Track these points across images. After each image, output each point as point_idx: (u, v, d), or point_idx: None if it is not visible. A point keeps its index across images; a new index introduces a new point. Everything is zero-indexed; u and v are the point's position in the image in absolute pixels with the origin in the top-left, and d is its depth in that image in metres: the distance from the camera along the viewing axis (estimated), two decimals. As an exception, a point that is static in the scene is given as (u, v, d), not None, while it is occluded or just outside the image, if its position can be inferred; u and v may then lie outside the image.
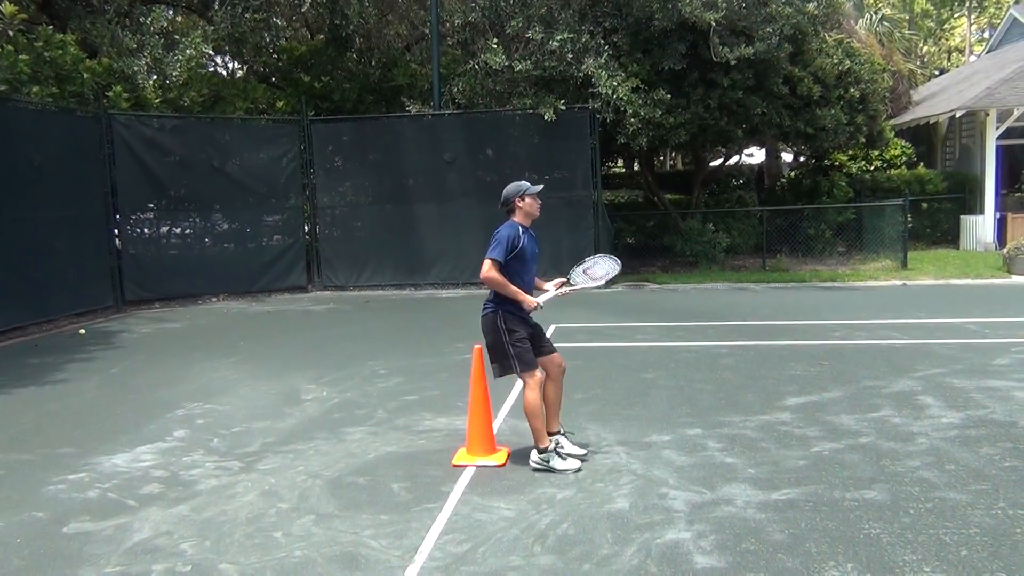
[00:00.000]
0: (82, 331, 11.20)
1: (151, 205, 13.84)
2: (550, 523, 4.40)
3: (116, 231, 13.32)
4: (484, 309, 5.28)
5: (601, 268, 5.71)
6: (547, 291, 5.41)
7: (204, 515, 4.68)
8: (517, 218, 5.36)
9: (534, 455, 5.22)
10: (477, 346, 5.49)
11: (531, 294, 5.25)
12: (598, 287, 5.71)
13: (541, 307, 5.21)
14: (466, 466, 5.30)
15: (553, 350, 5.41)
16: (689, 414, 6.37)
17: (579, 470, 5.14)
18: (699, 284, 14.47)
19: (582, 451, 5.39)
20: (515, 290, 5.12)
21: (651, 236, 17.78)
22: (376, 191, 15.12)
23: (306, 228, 15.30)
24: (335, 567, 3.99)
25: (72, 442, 6.13)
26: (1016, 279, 13.89)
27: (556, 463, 5.16)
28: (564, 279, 5.57)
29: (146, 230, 14.09)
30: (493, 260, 5.11)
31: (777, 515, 4.40)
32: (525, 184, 5.39)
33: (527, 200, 5.34)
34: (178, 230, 14.53)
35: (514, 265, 5.19)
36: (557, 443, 5.30)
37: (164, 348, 9.91)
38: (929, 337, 9.10)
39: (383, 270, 15.14)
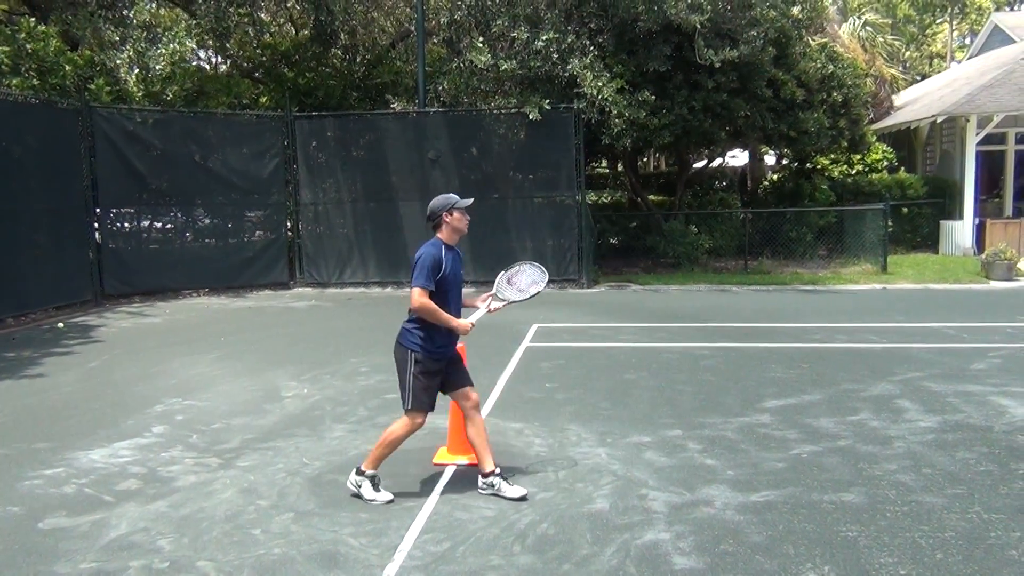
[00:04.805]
0: (60, 325, 11.10)
1: (132, 199, 13.72)
2: (530, 523, 4.41)
3: (96, 224, 13.20)
4: (401, 338, 4.82)
5: (526, 277, 5.27)
6: (477, 308, 5.04)
7: (182, 512, 4.65)
8: (442, 235, 4.85)
9: (353, 475, 4.86)
10: (459, 344, 5.48)
11: (459, 316, 4.85)
12: (527, 299, 5.16)
13: (473, 327, 4.86)
14: (447, 465, 5.31)
15: (467, 384, 4.93)
16: (670, 415, 6.39)
17: (391, 501, 4.73)
18: (681, 285, 14.52)
19: (521, 492, 4.78)
20: (447, 318, 4.70)
21: (634, 237, 17.82)
22: (359, 188, 15.08)
23: (288, 224, 15.24)
24: (314, 565, 3.98)
25: (49, 437, 6.07)
26: (994, 284, 14.04)
27: (366, 490, 4.78)
28: (492, 293, 5.17)
29: (126, 224, 13.98)
30: (422, 287, 4.65)
31: (755, 517, 4.43)
32: (454, 197, 4.91)
33: (455, 215, 4.85)
34: (159, 224, 14.43)
35: (440, 288, 4.74)
36: (494, 485, 4.82)
37: (143, 343, 9.83)
38: (908, 341, 9.19)
39: (365, 267, 15.10)
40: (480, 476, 4.89)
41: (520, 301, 5.17)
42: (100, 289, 13.05)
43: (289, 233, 15.22)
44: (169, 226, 14.49)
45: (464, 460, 5.32)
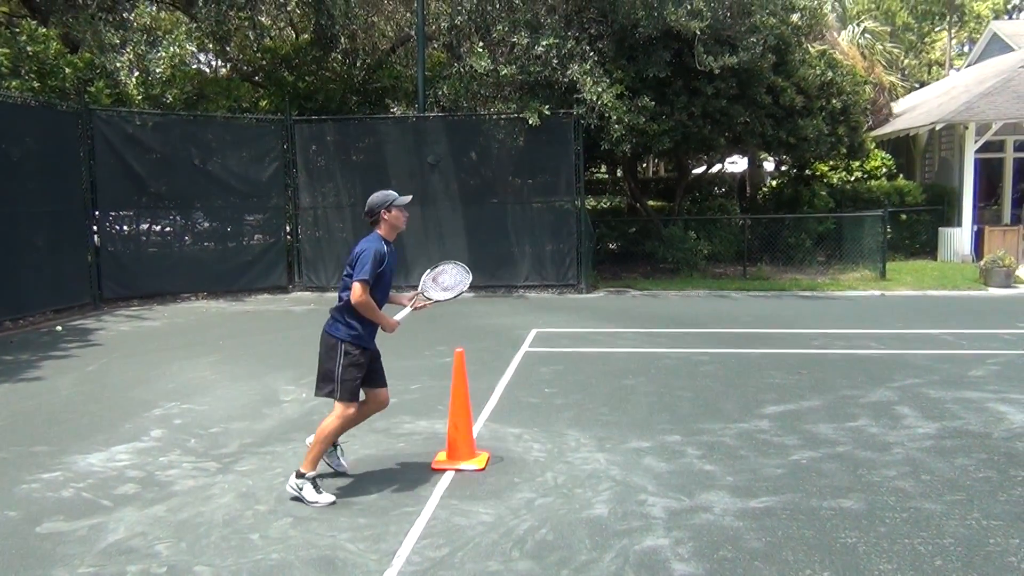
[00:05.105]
0: (59, 328, 11.08)
1: (131, 202, 13.71)
2: (528, 528, 4.40)
3: (95, 227, 13.18)
4: (330, 328, 4.96)
5: (450, 278, 5.44)
6: (404, 306, 5.26)
7: (180, 516, 4.64)
8: (382, 231, 4.98)
9: (293, 479, 4.86)
10: (458, 349, 5.49)
11: (381, 309, 4.97)
12: (452, 298, 5.36)
13: (400, 324, 5.02)
14: (446, 470, 5.30)
15: (384, 384, 5.15)
16: (669, 421, 6.39)
17: (333, 503, 4.77)
18: (680, 291, 14.52)
19: (346, 466, 5.23)
20: (381, 315, 4.88)
21: (633, 242, 17.83)
22: (359, 192, 15.05)
23: (287, 228, 15.23)
24: (312, 570, 3.97)
25: (47, 440, 6.06)
26: (992, 291, 14.05)
27: (308, 493, 4.78)
28: (417, 292, 5.35)
29: (125, 227, 13.96)
30: (364, 282, 4.74)
31: (754, 523, 4.42)
32: (392, 194, 5.03)
33: (393, 212, 4.98)
34: (158, 228, 14.41)
35: (376, 284, 4.86)
36: (329, 452, 5.17)
37: (142, 346, 9.82)
38: (906, 348, 9.19)
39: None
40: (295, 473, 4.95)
41: (444, 300, 5.35)
42: (98, 292, 13.03)
43: (288, 237, 15.21)
44: (168, 229, 14.46)
45: (463, 465, 5.32)
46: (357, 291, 4.75)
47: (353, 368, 4.87)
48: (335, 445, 5.22)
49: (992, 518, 4.46)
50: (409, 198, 5.09)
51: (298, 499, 4.81)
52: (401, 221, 5.05)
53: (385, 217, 4.98)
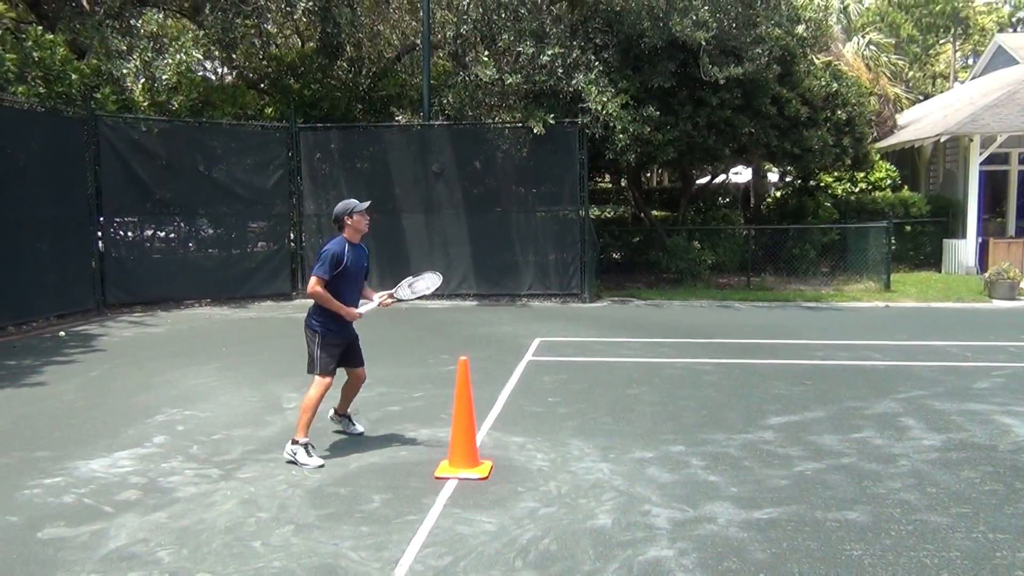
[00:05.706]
0: (62, 333, 11.08)
1: (136, 208, 13.73)
2: (532, 538, 4.38)
3: (99, 233, 13.20)
4: (308, 319, 5.77)
5: (423, 283, 6.16)
6: (372, 302, 5.94)
7: (182, 523, 4.62)
8: (346, 234, 5.80)
9: (288, 445, 5.63)
10: (462, 358, 5.47)
11: (356, 305, 5.82)
12: (416, 298, 6.18)
13: (362, 316, 5.79)
14: (448, 478, 5.27)
15: (360, 364, 6.06)
16: (673, 431, 6.37)
17: (321, 466, 5.49)
18: (684, 301, 14.51)
19: (361, 428, 6.28)
20: (337, 305, 5.65)
21: (637, 252, 17.82)
22: (363, 200, 15.06)
23: (291, 235, 15.24)
24: (314, 578, 3.95)
25: (49, 446, 6.05)
26: (996, 303, 14.01)
27: (301, 456, 5.54)
28: (390, 292, 6.02)
29: (129, 233, 13.98)
30: (318, 277, 5.61)
31: (759, 534, 4.40)
32: (354, 202, 5.85)
33: (355, 218, 5.79)
34: (162, 234, 14.43)
35: (339, 280, 5.67)
36: (344, 421, 6.20)
37: (145, 352, 9.81)
38: (911, 359, 9.16)
39: (368, 279, 15.07)
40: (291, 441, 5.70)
41: (407, 300, 6.15)
42: (102, 298, 13.03)
43: (292, 244, 15.22)
44: (172, 236, 14.49)
45: (466, 474, 5.30)
46: (311, 283, 5.64)
47: (328, 348, 5.71)
48: (347, 416, 6.21)
49: (998, 531, 4.43)
50: (368, 204, 5.88)
51: (293, 462, 5.51)
52: (363, 224, 5.83)
53: (348, 222, 5.79)
